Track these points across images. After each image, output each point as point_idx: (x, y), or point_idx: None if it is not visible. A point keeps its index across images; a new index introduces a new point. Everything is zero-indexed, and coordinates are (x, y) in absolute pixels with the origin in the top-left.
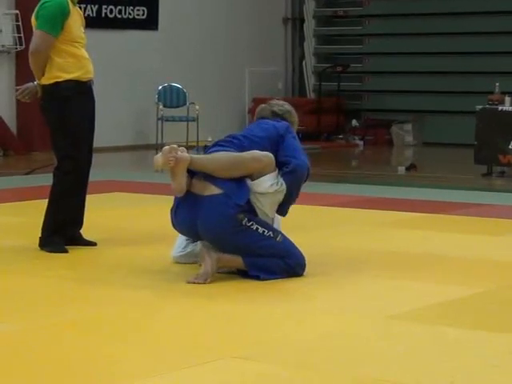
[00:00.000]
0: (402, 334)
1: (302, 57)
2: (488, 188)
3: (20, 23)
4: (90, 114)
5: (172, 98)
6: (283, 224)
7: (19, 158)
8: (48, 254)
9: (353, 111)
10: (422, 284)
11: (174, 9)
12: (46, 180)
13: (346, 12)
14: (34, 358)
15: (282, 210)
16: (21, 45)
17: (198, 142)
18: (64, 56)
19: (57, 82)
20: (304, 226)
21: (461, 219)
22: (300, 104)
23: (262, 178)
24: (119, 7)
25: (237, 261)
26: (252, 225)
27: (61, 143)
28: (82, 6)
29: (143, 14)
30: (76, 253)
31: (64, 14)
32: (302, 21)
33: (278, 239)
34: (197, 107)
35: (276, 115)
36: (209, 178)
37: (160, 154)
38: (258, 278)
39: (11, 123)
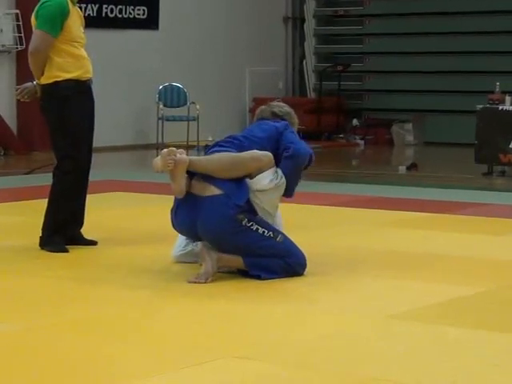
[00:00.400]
0: (402, 334)
1: (303, 56)
2: (488, 187)
3: (20, 23)
4: (90, 113)
5: (172, 97)
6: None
7: (19, 158)
8: (48, 253)
9: (353, 111)
10: (423, 283)
11: (174, 8)
12: (46, 180)
13: (347, 11)
14: (34, 358)
15: (287, 192)
16: (21, 44)
17: (198, 141)
18: (63, 56)
19: (56, 82)
20: (304, 225)
21: (461, 219)
22: (300, 103)
23: (260, 176)
24: (120, 7)
25: (237, 260)
26: (252, 225)
27: (60, 143)
28: (83, 5)
29: (144, 14)
30: (76, 252)
31: (64, 14)
32: (303, 20)
33: (278, 239)
34: (197, 107)
35: (276, 116)
36: (208, 178)
37: (159, 156)
38: (258, 277)
39: (11, 123)
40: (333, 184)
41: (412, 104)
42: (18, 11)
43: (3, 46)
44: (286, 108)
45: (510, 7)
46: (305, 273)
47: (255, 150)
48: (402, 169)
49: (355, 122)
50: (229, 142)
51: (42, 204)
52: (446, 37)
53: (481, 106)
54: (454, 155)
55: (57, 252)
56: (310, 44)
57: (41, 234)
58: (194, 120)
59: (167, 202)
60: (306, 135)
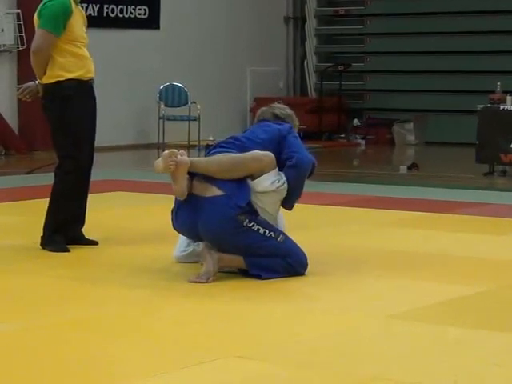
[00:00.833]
0: (403, 334)
1: (304, 56)
2: (489, 187)
3: (21, 22)
4: (92, 113)
5: (173, 97)
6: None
7: (21, 157)
8: (49, 253)
9: (354, 110)
10: (424, 283)
11: (175, 8)
12: (48, 179)
13: (348, 11)
14: (34, 358)
15: (288, 203)
16: (22, 44)
17: (199, 141)
18: (66, 55)
19: (58, 81)
20: (305, 224)
21: (462, 218)
22: (301, 103)
23: (261, 177)
24: (121, 6)
25: (238, 260)
26: (253, 226)
27: (62, 142)
28: (84, 5)
29: (145, 14)
30: (77, 252)
31: (66, 14)
32: (304, 20)
33: (279, 239)
34: (198, 106)
35: (277, 118)
36: (209, 179)
37: (160, 158)
38: (259, 277)
39: (13, 122)
40: (334, 184)
41: (413, 104)
42: (19, 11)
43: (4, 45)
44: (288, 110)
45: (510, 7)
46: (306, 272)
47: (256, 151)
48: (403, 169)
49: (356, 121)
50: (230, 142)
51: (43, 204)
52: (447, 36)
53: (482, 106)
54: (455, 155)
55: (57, 251)
56: (310, 44)
57: (42, 234)
58: (194, 120)
59: (168, 202)
60: (306, 135)
